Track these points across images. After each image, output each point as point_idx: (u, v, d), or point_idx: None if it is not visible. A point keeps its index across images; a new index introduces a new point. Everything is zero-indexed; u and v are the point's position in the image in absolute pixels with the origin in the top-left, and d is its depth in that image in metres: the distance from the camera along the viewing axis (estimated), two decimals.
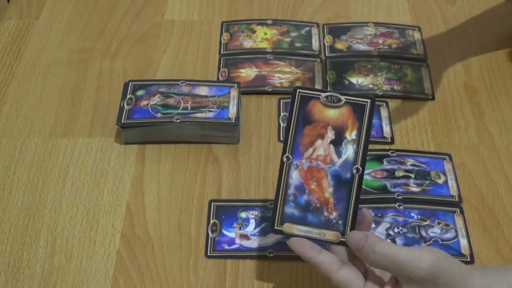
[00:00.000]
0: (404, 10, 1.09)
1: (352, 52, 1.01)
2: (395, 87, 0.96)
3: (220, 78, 0.98)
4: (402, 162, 0.86)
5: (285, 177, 0.68)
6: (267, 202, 0.82)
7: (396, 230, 0.79)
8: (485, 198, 0.83)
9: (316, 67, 0.99)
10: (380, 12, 1.09)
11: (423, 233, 0.79)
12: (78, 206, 0.82)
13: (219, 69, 0.99)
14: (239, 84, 0.93)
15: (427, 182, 0.84)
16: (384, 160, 0.86)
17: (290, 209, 0.68)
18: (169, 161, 0.87)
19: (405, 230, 0.79)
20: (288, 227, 0.68)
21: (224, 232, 0.79)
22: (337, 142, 0.68)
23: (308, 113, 0.69)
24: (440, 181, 0.84)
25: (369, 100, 0.69)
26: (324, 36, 1.04)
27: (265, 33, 1.04)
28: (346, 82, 0.97)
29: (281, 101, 0.95)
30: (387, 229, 0.79)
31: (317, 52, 1.02)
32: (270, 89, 0.96)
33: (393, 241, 0.78)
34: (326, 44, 1.03)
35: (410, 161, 0.86)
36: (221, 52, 1.02)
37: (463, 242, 0.78)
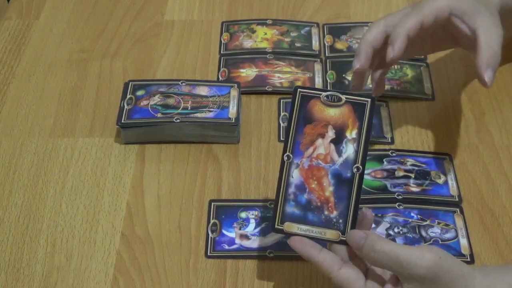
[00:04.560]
0: None
1: (352, 52, 1.01)
2: (395, 87, 0.96)
3: (220, 78, 0.98)
4: (402, 162, 0.86)
5: (285, 176, 0.68)
6: (267, 202, 0.82)
7: (396, 230, 0.79)
8: (485, 198, 0.83)
9: (316, 67, 0.99)
10: (380, 12, 1.09)
11: (423, 233, 0.79)
12: (78, 206, 0.82)
13: (219, 69, 0.99)
14: (239, 84, 0.93)
15: (427, 182, 0.84)
16: (384, 160, 0.86)
17: (290, 208, 0.68)
18: (169, 161, 0.87)
19: (405, 230, 0.79)
20: (288, 226, 0.68)
21: (224, 232, 0.79)
22: (338, 141, 0.68)
23: (309, 112, 0.69)
24: (440, 181, 0.84)
25: (369, 99, 0.69)
26: (324, 36, 1.04)
27: (265, 33, 1.04)
28: (346, 82, 0.97)
29: (281, 101, 0.95)
30: (387, 229, 0.79)
31: (317, 52, 1.02)
32: (270, 89, 0.96)
33: (393, 241, 0.78)
34: (326, 44, 1.03)
35: (410, 161, 0.86)
36: (221, 52, 1.02)
37: (463, 242, 0.78)
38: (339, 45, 1.03)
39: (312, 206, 0.68)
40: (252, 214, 0.81)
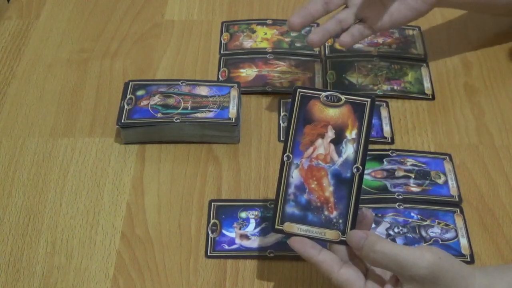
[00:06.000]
0: None
1: (352, 52, 1.01)
2: (395, 87, 0.96)
3: (220, 78, 0.98)
4: (402, 162, 0.86)
5: (285, 176, 0.68)
6: (267, 202, 0.82)
7: (396, 230, 0.79)
8: (485, 198, 0.83)
9: (316, 67, 0.99)
10: None
11: (423, 233, 0.79)
12: (78, 206, 0.82)
13: (219, 69, 0.99)
14: (239, 84, 0.93)
15: (427, 182, 0.84)
16: (384, 160, 0.86)
17: (290, 208, 0.68)
18: (169, 161, 0.87)
19: (405, 230, 0.79)
20: (288, 226, 0.68)
21: (224, 232, 0.79)
22: (338, 141, 0.68)
23: (309, 112, 0.69)
24: (440, 181, 0.84)
25: (369, 100, 0.69)
26: None
27: (265, 33, 1.04)
28: (346, 82, 0.97)
29: (281, 101, 0.95)
30: (387, 229, 0.79)
31: (317, 52, 1.02)
32: (270, 89, 0.96)
33: (393, 241, 0.78)
34: (326, 44, 1.03)
35: (410, 161, 0.86)
36: (221, 52, 1.02)
37: (463, 242, 0.78)
38: (339, 45, 1.03)
39: (312, 206, 0.68)
40: (252, 214, 0.81)
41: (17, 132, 0.91)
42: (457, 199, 0.82)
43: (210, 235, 0.79)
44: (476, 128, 0.91)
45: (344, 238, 0.67)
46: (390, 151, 0.87)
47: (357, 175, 0.68)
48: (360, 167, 0.68)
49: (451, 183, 0.84)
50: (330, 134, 0.69)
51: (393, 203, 0.82)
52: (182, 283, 0.75)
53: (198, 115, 0.88)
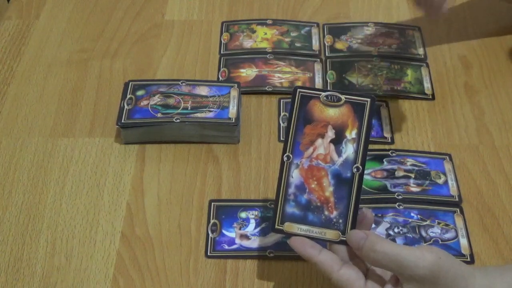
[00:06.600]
0: (404, 10, 1.09)
1: (352, 52, 1.01)
2: (395, 87, 0.96)
3: (220, 78, 0.98)
4: (402, 162, 0.86)
5: (285, 176, 0.68)
6: (267, 202, 0.82)
7: (396, 230, 0.79)
8: (485, 198, 0.83)
9: (316, 67, 0.99)
10: (380, 12, 1.09)
11: (423, 233, 0.79)
12: (78, 206, 0.82)
13: (219, 69, 0.99)
14: (239, 84, 0.93)
15: (427, 182, 0.84)
16: (384, 160, 0.86)
17: (290, 208, 0.68)
18: (169, 161, 0.87)
19: (405, 230, 0.79)
20: (288, 226, 0.68)
21: (224, 232, 0.79)
22: (338, 141, 0.68)
23: (309, 112, 0.69)
24: (440, 181, 0.84)
25: (369, 99, 0.69)
26: (324, 36, 1.04)
27: (265, 33, 1.04)
28: (346, 82, 0.97)
29: (281, 101, 0.95)
30: (387, 229, 0.79)
31: (317, 52, 1.02)
32: (270, 89, 0.96)
33: (393, 241, 0.78)
34: (326, 44, 1.03)
35: (410, 161, 0.86)
36: (221, 52, 1.02)
37: (463, 242, 0.78)
38: (339, 45, 1.03)
39: (312, 206, 0.68)
40: (252, 214, 0.81)
41: (17, 132, 0.91)
42: (457, 199, 0.82)
43: (210, 235, 0.79)
44: (476, 128, 0.91)
45: (344, 238, 0.67)
46: (390, 151, 0.87)
47: (357, 175, 0.68)
48: (360, 167, 0.68)
49: (451, 183, 0.84)
50: (330, 134, 0.69)
51: (393, 203, 0.82)
52: (182, 283, 0.75)
53: (198, 115, 0.88)
